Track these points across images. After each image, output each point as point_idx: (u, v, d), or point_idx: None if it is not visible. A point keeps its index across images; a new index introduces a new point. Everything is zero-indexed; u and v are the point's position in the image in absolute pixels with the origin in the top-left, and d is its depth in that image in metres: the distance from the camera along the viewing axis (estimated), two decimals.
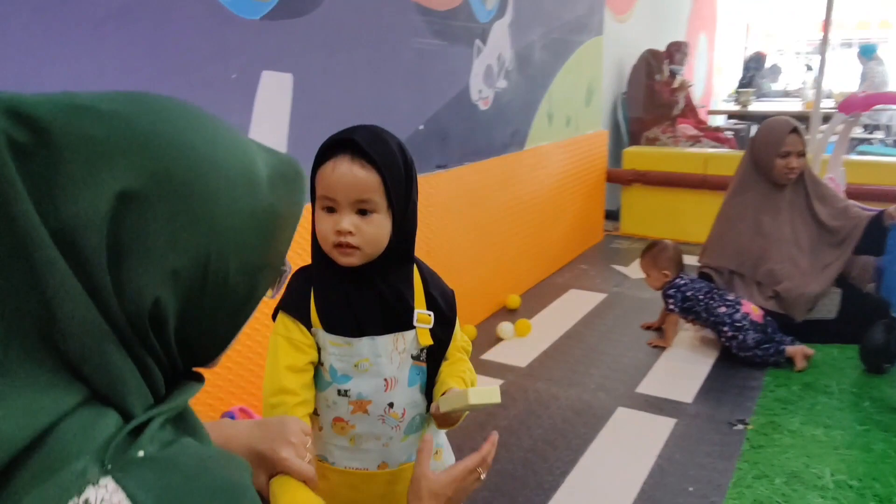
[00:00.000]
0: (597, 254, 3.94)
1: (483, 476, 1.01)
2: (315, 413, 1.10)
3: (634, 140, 4.61)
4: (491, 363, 2.50)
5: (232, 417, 1.64)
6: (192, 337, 0.56)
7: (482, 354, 2.56)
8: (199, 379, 0.61)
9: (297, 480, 0.91)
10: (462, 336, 1.18)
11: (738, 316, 2.42)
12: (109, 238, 0.49)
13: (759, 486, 1.74)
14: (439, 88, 2.50)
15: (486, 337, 2.70)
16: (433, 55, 2.42)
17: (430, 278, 1.12)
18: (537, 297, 3.18)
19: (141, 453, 0.49)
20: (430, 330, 1.09)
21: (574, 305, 3.08)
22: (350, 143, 1.00)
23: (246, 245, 0.56)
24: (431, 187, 2.45)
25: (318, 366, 1.08)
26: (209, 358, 0.62)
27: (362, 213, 1.00)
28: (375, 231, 1.01)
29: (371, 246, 1.01)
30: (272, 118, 1.79)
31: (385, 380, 1.08)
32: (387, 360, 1.07)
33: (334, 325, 1.06)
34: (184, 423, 0.57)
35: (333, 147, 1.01)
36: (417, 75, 2.35)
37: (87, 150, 0.49)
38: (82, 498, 0.45)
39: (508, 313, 2.97)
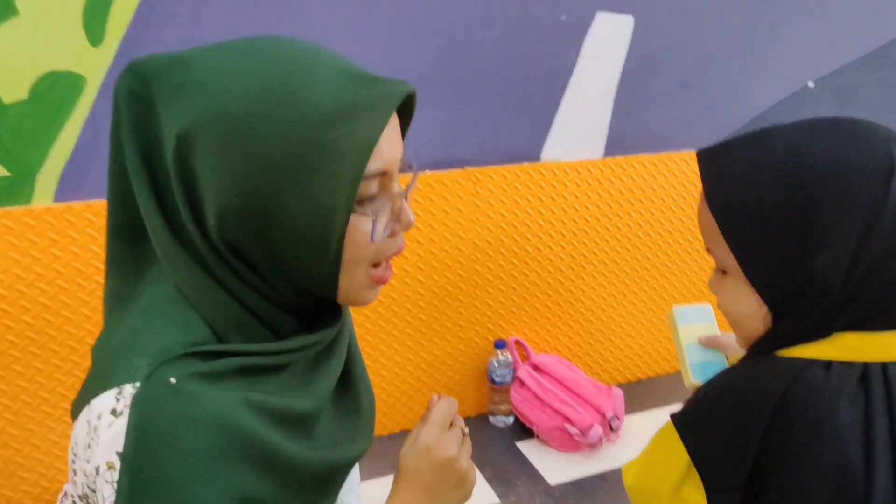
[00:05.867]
0: None
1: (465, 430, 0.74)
2: None
3: None
4: None
5: (504, 346, 1.73)
6: (292, 274, 0.59)
7: None
8: (332, 322, 0.66)
9: None
10: None
11: None
12: (179, 176, 0.56)
13: None
14: (850, 37, 2.02)
15: None
16: None
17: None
18: None
19: (173, 380, 0.52)
20: None
21: None
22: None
23: (300, 183, 0.54)
24: None
25: None
26: (328, 296, 0.62)
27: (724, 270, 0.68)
28: (726, 301, 0.68)
29: (733, 323, 0.69)
30: (603, 62, 1.73)
31: None
32: None
33: None
34: (270, 377, 0.59)
35: None
36: (816, 20, 1.95)
37: (169, 97, 0.55)
38: (123, 389, 0.53)
39: None
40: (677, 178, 1.88)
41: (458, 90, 1.62)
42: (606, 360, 1.93)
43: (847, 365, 0.59)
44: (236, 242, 0.57)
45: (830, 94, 2.05)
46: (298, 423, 0.61)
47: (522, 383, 1.69)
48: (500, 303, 1.74)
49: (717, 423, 0.63)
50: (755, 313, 0.64)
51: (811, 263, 0.58)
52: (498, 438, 1.69)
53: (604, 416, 1.63)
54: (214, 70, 0.55)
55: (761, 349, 0.65)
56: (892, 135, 0.58)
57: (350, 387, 0.73)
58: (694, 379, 0.87)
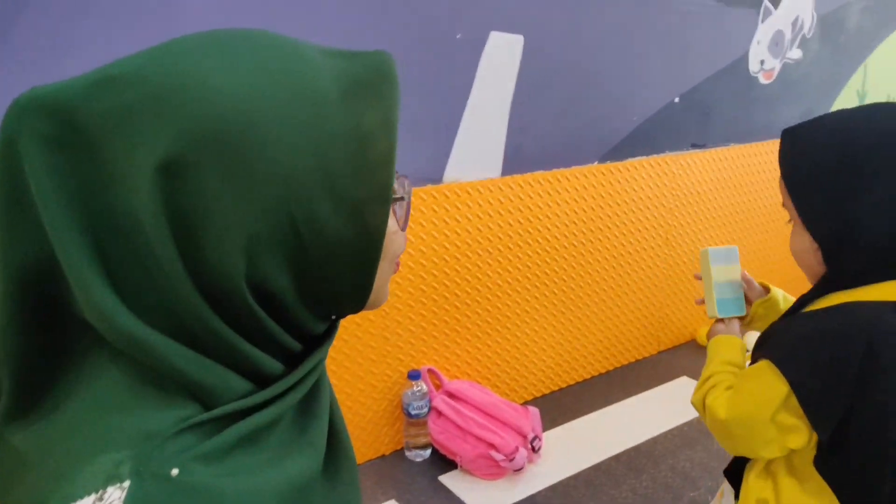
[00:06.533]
0: None
1: None
2: None
3: None
4: None
5: (418, 377, 1.66)
6: (320, 295, 0.50)
7: None
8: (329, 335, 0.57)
9: None
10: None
11: None
12: (170, 218, 0.44)
13: None
14: (706, 57, 2.18)
15: None
16: (703, 18, 2.11)
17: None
18: None
19: (175, 472, 0.42)
20: None
21: None
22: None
23: (331, 181, 0.47)
24: (680, 168, 2.17)
25: None
26: (355, 308, 0.55)
27: None
28: (791, 242, 0.86)
29: (797, 259, 0.86)
30: (497, 81, 1.72)
31: None
32: None
33: None
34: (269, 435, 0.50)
35: None
36: (679, 41, 2.08)
37: (117, 125, 0.44)
38: (105, 495, 0.41)
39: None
40: (569, 193, 1.91)
41: None
42: (513, 378, 1.92)
43: None
44: (264, 276, 0.46)
45: (693, 107, 2.19)
46: (306, 492, 0.51)
47: (440, 413, 1.64)
48: (410, 331, 1.67)
49: (816, 359, 0.76)
50: (808, 249, 0.80)
51: (855, 210, 0.73)
52: (419, 474, 1.62)
53: (525, 437, 1.61)
54: (179, 79, 0.44)
55: (826, 287, 0.80)
56: None
57: (334, 438, 0.63)
58: (718, 313, 0.98)
